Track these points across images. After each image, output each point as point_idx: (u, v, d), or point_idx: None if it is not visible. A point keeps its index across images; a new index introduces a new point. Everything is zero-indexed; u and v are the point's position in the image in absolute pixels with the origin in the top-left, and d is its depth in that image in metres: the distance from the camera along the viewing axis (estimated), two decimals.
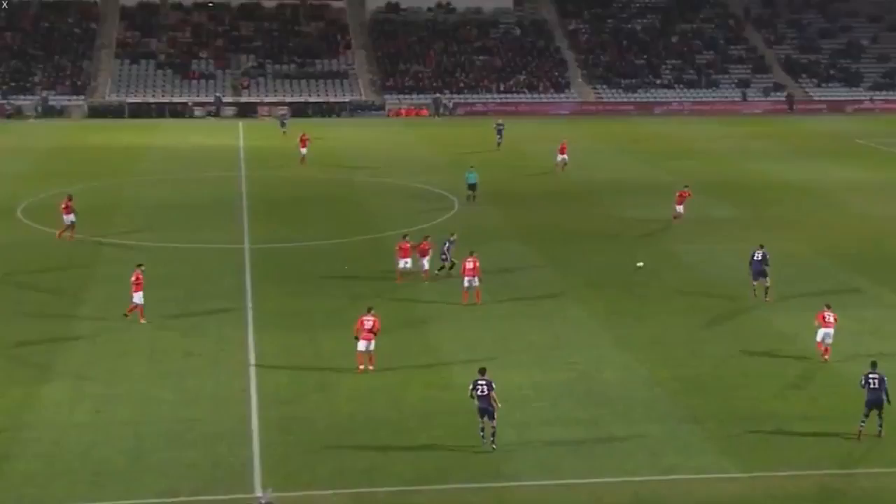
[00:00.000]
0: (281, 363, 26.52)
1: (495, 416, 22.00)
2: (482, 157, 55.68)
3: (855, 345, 27.83)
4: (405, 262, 32.80)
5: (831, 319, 27.31)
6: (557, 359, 26.91)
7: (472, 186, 44.17)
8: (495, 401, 22.01)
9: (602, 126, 70.52)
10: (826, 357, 27.17)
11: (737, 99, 79.96)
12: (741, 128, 70.83)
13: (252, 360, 26.78)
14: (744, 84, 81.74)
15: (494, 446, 21.93)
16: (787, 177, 52.08)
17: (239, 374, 25.85)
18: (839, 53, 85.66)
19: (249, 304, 30.82)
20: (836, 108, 78.94)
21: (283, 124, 64.63)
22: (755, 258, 32.12)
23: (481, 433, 22.13)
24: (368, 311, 26.54)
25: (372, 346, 26.11)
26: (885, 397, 22.37)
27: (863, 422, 22.56)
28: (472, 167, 45.52)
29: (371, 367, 26.14)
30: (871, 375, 22.65)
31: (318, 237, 38.91)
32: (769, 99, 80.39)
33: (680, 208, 40.92)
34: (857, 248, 37.73)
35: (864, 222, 41.87)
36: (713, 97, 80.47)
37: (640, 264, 34.90)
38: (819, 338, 27.21)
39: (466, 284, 31.12)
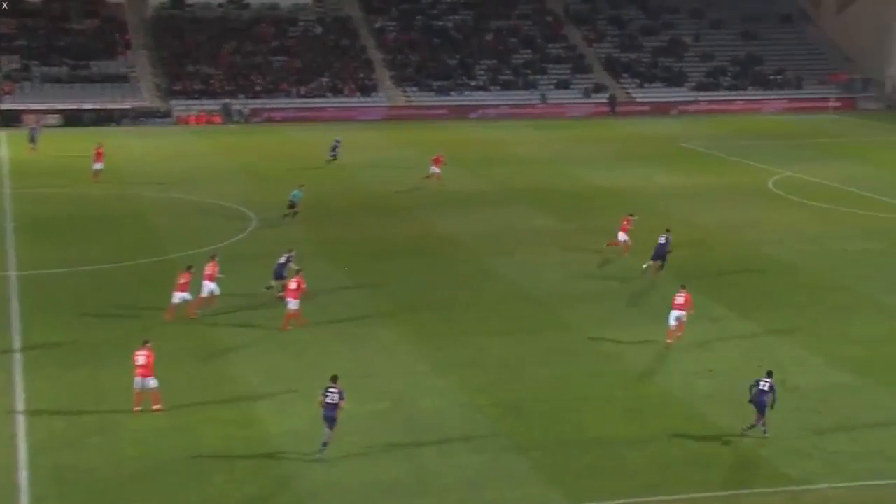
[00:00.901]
0: (56, 405, 25.60)
1: (334, 427, 23.13)
2: (294, 171, 55.34)
3: (683, 361, 29.09)
4: (182, 297, 31.74)
5: (681, 300, 30.03)
6: (369, 387, 26.92)
7: (292, 205, 44.15)
8: (340, 410, 23.27)
9: (413, 132, 71.33)
10: (669, 341, 29.79)
11: (555, 101, 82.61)
12: (562, 131, 73.17)
13: (20, 404, 25.65)
14: (563, 85, 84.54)
15: (321, 455, 22.96)
16: (610, 183, 54.12)
17: (4, 421, 24.69)
18: (662, 52, 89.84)
19: (17, 341, 29.52)
20: (660, 109, 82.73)
21: (32, 139, 60.16)
22: (660, 241, 36.36)
23: (323, 447, 23.21)
24: (144, 344, 26.01)
25: (151, 384, 25.50)
26: (767, 401, 24.24)
27: (752, 425, 24.32)
28: (301, 185, 45.68)
29: (156, 407, 25.47)
30: (762, 381, 24.58)
31: (99, 260, 37.71)
32: (591, 101, 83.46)
33: (623, 236, 39.16)
34: (683, 257, 39.53)
35: (689, 229, 43.89)
36: (530, 99, 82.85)
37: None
38: (670, 321, 29.92)
39: (293, 307, 31.08)
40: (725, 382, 27.59)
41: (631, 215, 40.25)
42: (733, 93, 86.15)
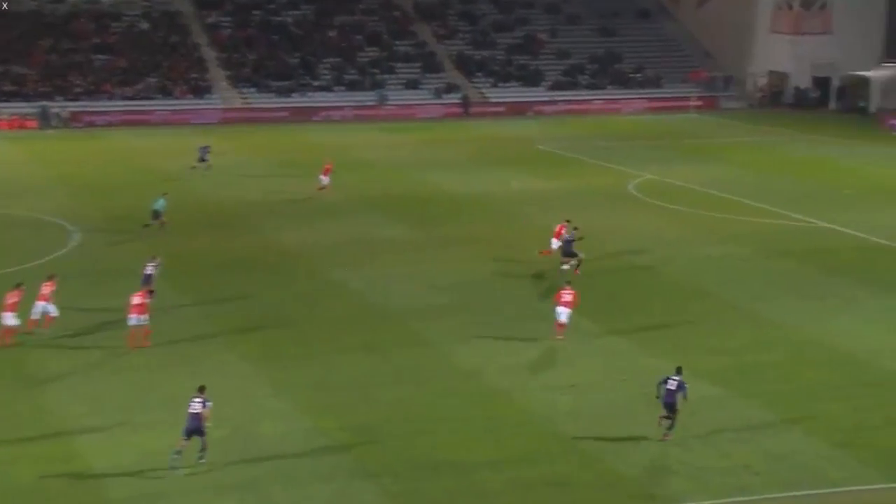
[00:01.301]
0: None
1: (205, 434, 24.16)
2: (134, 180, 54.01)
3: (543, 376, 29.51)
4: (11, 317, 30.98)
5: (568, 297, 32.11)
6: None
7: (155, 214, 43.98)
8: (207, 420, 24.21)
9: (252, 136, 70.73)
10: (560, 337, 31.87)
11: (404, 102, 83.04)
12: (412, 134, 73.53)
13: None
14: (413, 85, 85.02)
15: (203, 461, 23.92)
16: (465, 188, 54.63)
17: None
18: (516, 49, 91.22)
19: None
20: (515, 110, 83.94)
21: None
22: (567, 238, 38.78)
23: (176, 455, 23.79)
24: None
25: None
26: (677, 400, 25.49)
27: (661, 423, 25.48)
28: (164, 193, 45.40)
29: None
30: (671, 379, 25.80)
31: None
32: (442, 101, 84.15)
33: (557, 243, 39.33)
34: (543, 268, 40.18)
35: (547, 237, 44.65)
36: (375, 100, 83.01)
37: None
38: (561, 318, 32.14)
39: (134, 323, 30.82)
40: (588, 398, 28.09)
41: (567, 221, 40.76)
42: (591, 92, 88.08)
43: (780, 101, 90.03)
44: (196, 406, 24.35)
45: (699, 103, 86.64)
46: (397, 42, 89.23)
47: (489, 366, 30.17)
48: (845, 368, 30.12)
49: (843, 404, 27.69)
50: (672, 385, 25.78)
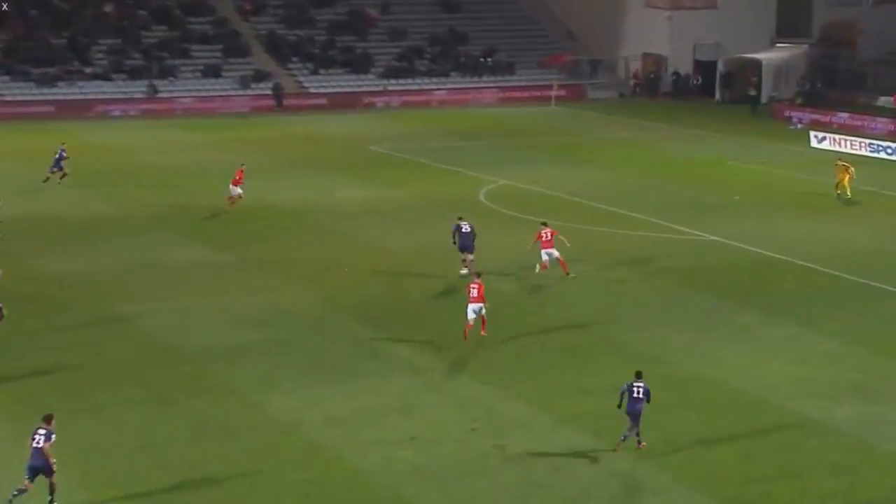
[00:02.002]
0: None
1: (53, 473, 24.64)
2: None
3: (379, 426, 29.56)
4: None
5: (475, 293, 35.39)
6: None
7: None
8: (50, 457, 24.70)
9: (5, 137, 69.23)
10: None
11: (200, 94, 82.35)
12: (213, 133, 73.06)
13: None
14: (213, 72, 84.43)
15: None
16: (279, 199, 54.54)
17: None
18: (340, 28, 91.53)
19: None
20: (340, 102, 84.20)
21: None
22: (463, 231, 41.95)
23: (14, 493, 24.49)
24: None
25: None
26: (642, 409, 27.89)
27: (625, 436, 27.91)
28: None
29: None
30: (635, 384, 28.11)
31: None
32: (250, 92, 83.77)
33: (552, 253, 41.60)
34: (379, 295, 40.32)
35: (383, 258, 44.86)
36: (173, 91, 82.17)
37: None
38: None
39: None
40: (432, 453, 28.27)
41: (544, 224, 42.38)
42: (432, 80, 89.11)
43: (656, 89, 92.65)
44: (39, 439, 24.72)
45: (561, 93, 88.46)
46: (192, 19, 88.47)
47: (311, 416, 30.10)
48: (736, 409, 30.99)
49: (734, 452, 28.49)
50: (638, 393, 28.01)
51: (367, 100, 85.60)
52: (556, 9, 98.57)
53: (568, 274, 41.98)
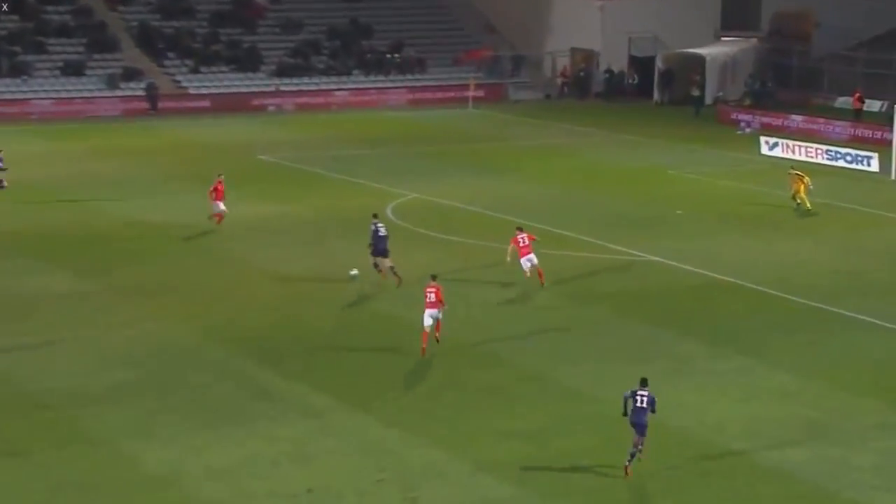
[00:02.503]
0: None
1: None
2: None
3: (274, 479, 29.41)
4: None
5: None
6: None
7: None
8: None
9: None
10: (424, 346, 37.12)
11: (60, 94, 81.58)
12: (75, 141, 72.65)
13: None
14: (75, 69, 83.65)
15: None
16: (153, 217, 54.39)
17: None
18: (224, 20, 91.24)
19: None
20: (226, 105, 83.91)
21: None
22: (380, 234, 44.29)
23: None
24: None
25: None
26: (647, 420, 29.20)
27: (633, 452, 29.17)
28: None
29: None
30: (639, 393, 29.54)
31: None
32: (119, 93, 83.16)
33: (529, 260, 43.93)
34: (270, 326, 40.17)
35: (275, 284, 44.71)
36: (27, 92, 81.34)
37: None
38: (426, 322, 37.04)
39: None
40: None
41: (519, 229, 44.31)
42: (332, 79, 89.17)
43: (587, 89, 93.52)
44: None
45: (480, 93, 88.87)
46: (49, 8, 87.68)
47: (192, 468, 29.86)
48: (678, 452, 31.17)
49: (676, 501, 28.69)
50: (643, 402, 29.43)
51: (256, 102, 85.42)
52: None
53: (543, 284, 43.95)
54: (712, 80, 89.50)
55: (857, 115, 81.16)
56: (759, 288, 44.94)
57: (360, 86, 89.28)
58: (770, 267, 47.84)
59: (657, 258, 48.83)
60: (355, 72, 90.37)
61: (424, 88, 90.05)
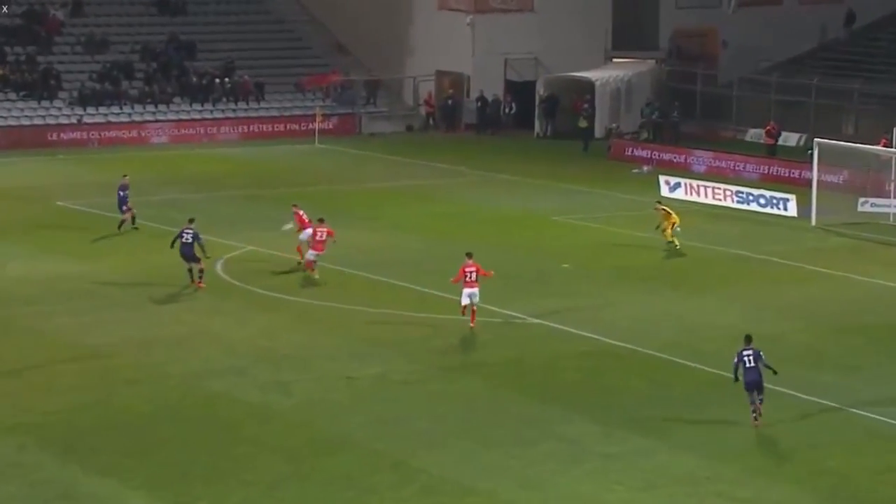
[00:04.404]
0: None
1: None
2: None
3: None
4: None
5: (473, 276, 46.03)
6: None
7: None
8: None
9: None
10: (472, 324, 45.18)
11: None
12: None
13: None
14: None
15: None
16: None
17: None
18: (14, 36, 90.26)
19: None
20: (15, 140, 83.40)
21: None
22: (184, 241, 51.04)
23: None
24: None
25: None
26: (761, 377, 36.80)
27: (753, 410, 37.20)
28: None
29: None
30: (745, 352, 36.66)
31: None
32: None
33: None
34: (71, 411, 39.52)
35: (80, 359, 44.06)
36: None
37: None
38: (463, 301, 44.68)
39: None
40: None
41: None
42: (148, 109, 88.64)
43: (456, 119, 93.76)
44: None
45: (328, 125, 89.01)
46: None
47: None
48: None
49: None
50: (749, 360, 36.81)
51: (54, 136, 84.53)
52: (320, 12, 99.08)
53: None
54: (603, 109, 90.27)
55: (771, 151, 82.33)
56: (661, 355, 45.10)
57: (183, 116, 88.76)
58: (673, 330, 48.12)
59: (540, 320, 48.94)
60: (176, 99, 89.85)
61: (261, 120, 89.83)
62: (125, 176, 62.50)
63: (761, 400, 37.24)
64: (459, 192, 73.99)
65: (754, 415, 37.40)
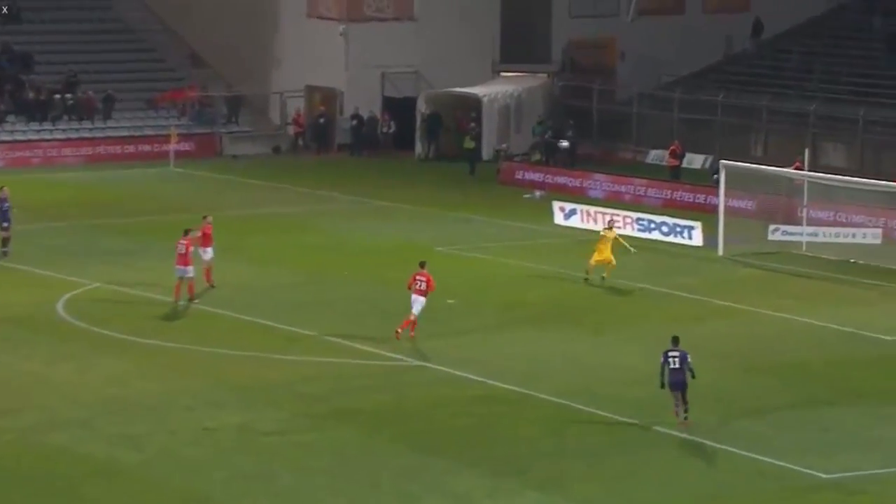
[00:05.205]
0: None
1: None
2: None
3: None
4: None
5: (424, 285, 50.32)
6: None
7: None
8: None
9: None
10: (412, 334, 49.83)
11: None
12: None
13: None
14: None
15: None
16: None
17: None
18: None
19: None
20: None
21: None
22: None
23: None
24: None
25: None
26: (686, 378, 40.72)
27: (677, 406, 41.20)
28: None
29: None
30: (671, 354, 40.27)
31: None
32: None
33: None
34: None
35: None
36: None
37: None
38: (413, 312, 49.35)
39: None
40: None
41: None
42: None
43: (329, 139, 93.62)
44: None
45: (184, 147, 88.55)
46: None
47: None
48: None
49: None
50: (675, 362, 40.33)
51: None
52: (175, 20, 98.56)
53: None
54: (491, 128, 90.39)
55: (675, 174, 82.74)
56: (555, 400, 45.19)
57: (19, 137, 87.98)
58: (568, 372, 48.27)
59: (422, 363, 49.02)
60: (11, 118, 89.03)
61: (109, 141, 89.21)
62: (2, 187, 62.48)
63: (685, 402, 41.33)
64: (332, 220, 73.85)
65: (685, 415, 41.46)
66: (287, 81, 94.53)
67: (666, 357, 41.07)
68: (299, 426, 42.98)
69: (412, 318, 50.62)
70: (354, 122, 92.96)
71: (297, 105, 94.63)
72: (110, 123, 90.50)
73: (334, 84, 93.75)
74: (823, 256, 65.56)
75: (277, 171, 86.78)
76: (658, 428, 42.64)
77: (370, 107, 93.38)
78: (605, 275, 58.98)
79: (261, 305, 55.21)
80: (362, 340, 50.98)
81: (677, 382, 40.97)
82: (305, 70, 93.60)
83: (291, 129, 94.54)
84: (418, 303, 50.52)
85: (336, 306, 56.28)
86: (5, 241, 62.02)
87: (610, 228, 60.97)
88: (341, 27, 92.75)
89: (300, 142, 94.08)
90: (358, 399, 45.42)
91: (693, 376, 41.30)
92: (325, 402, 45.08)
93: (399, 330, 50.34)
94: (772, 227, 67.02)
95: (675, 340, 41.50)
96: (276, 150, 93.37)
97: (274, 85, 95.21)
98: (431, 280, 50.49)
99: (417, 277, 50.81)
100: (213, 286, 56.97)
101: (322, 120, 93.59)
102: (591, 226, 69.66)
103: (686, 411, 41.35)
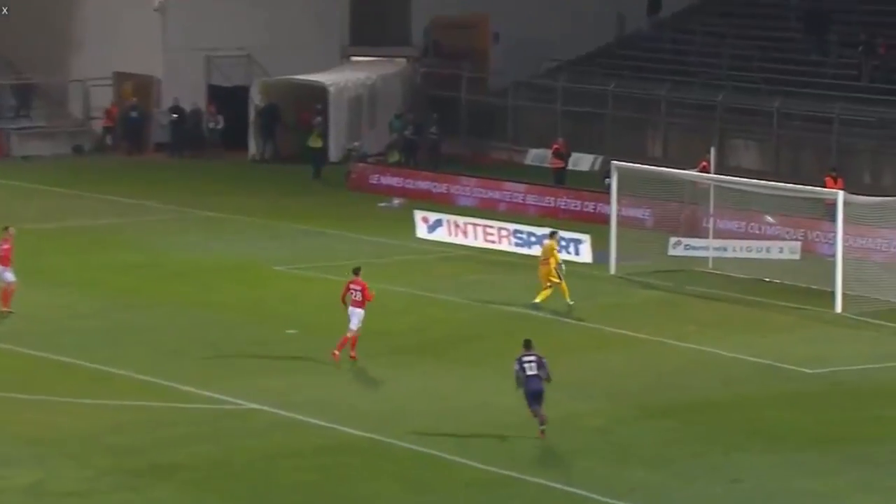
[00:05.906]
0: None
1: None
2: None
3: None
4: None
5: (359, 294, 52.47)
6: None
7: None
8: None
9: None
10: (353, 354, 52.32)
11: None
12: None
13: None
14: None
15: None
16: None
17: None
18: None
19: None
20: None
21: None
22: None
23: None
24: None
25: None
26: (544, 386, 42.72)
27: (536, 418, 42.97)
28: None
29: None
30: (525, 359, 42.71)
31: None
32: None
33: None
34: None
35: None
36: None
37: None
38: (352, 326, 52.08)
39: None
40: None
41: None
42: None
43: (143, 137, 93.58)
44: None
45: None
46: None
47: None
48: None
49: None
50: (531, 368, 42.51)
51: None
52: None
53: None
54: (340, 123, 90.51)
55: (559, 177, 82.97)
56: (417, 448, 45.26)
57: None
58: (432, 414, 48.24)
59: (256, 405, 48.88)
60: None
61: None
62: None
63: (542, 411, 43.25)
64: (147, 234, 73.70)
65: (542, 427, 43.65)
66: (91, 68, 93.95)
67: (521, 363, 43.07)
68: (107, 485, 42.67)
69: (350, 334, 52.75)
70: (174, 117, 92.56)
71: (104, 96, 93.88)
72: None
73: (149, 70, 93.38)
74: (733, 275, 65.99)
75: (79, 176, 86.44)
76: (539, 480, 42.87)
77: (193, 98, 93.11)
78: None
79: (59, 339, 54.94)
80: (184, 380, 50.83)
81: (536, 392, 42.94)
82: (113, 54, 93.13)
83: (97, 125, 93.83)
84: (356, 315, 52.76)
85: (152, 338, 56.04)
86: None
87: (552, 236, 61.13)
88: (157, 1, 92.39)
89: (108, 140, 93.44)
90: (179, 451, 45.19)
91: (549, 380, 43.53)
92: (139, 455, 44.81)
93: (336, 352, 52.44)
94: (673, 240, 67.16)
95: (528, 344, 43.91)
96: (78, 149, 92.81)
97: (75, 72, 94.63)
98: (367, 288, 52.87)
99: (351, 286, 53.18)
100: (9, 311, 56.56)
101: (134, 114, 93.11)
102: (459, 239, 69.67)
103: (544, 423, 43.60)
